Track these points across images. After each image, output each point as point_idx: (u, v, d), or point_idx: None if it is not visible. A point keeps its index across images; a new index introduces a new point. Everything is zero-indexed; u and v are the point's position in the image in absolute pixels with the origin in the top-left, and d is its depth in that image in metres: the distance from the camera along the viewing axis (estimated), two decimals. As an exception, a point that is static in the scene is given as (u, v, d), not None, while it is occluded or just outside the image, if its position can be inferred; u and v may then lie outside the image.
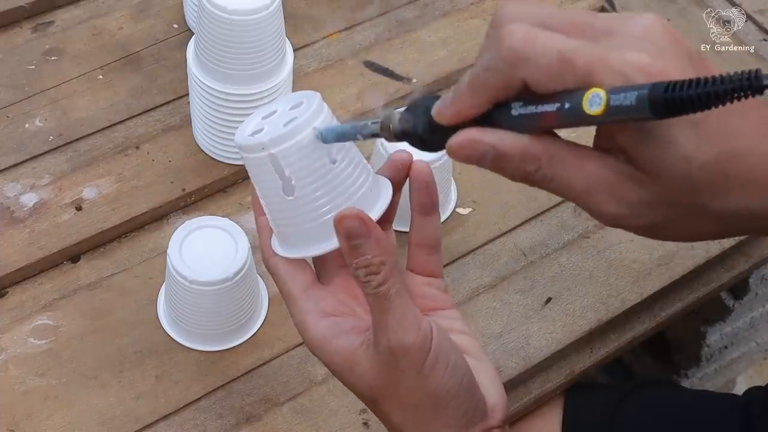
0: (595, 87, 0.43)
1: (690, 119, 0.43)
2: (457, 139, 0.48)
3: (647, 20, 0.46)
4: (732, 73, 0.39)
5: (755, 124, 0.46)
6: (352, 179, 0.53)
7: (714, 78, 0.40)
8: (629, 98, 0.42)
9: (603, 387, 0.91)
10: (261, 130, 0.55)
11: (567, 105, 0.44)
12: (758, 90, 0.39)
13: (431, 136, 0.50)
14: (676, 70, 0.44)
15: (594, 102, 0.43)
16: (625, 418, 0.85)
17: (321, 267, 0.58)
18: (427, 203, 0.57)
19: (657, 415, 0.86)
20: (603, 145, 0.47)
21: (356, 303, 0.57)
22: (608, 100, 0.43)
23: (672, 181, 0.45)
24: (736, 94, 0.39)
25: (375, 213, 0.53)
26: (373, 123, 0.52)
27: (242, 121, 0.84)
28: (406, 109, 0.51)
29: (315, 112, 0.53)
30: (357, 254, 0.50)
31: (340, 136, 0.53)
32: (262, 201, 0.56)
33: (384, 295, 0.51)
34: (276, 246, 0.56)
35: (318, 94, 0.55)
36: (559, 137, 0.47)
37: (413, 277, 0.59)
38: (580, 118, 0.44)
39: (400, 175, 0.56)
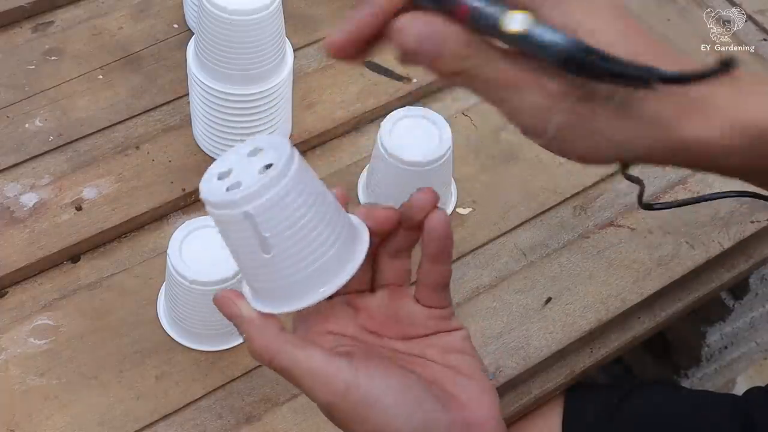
0: (523, 10, 0.44)
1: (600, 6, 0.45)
2: (401, 21, 0.47)
3: None
4: (644, 67, 0.42)
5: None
6: (331, 229, 0.51)
7: (622, 62, 0.43)
8: (555, 38, 0.43)
9: (603, 387, 0.91)
10: (229, 173, 0.51)
11: (489, 9, 0.44)
12: (650, 86, 0.42)
13: None
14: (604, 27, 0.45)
15: (514, 22, 0.43)
16: (625, 418, 0.85)
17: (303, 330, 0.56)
18: (441, 255, 0.53)
19: (657, 415, 0.86)
20: None
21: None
22: (533, 30, 0.43)
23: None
24: (636, 83, 0.43)
25: (355, 264, 0.51)
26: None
27: (242, 121, 0.85)
28: None
29: (287, 161, 0.49)
30: None
31: None
32: (236, 259, 0.52)
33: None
34: (257, 303, 0.52)
35: (288, 142, 0.51)
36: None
37: (415, 307, 0.56)
38: (492, 29, 0.44)
39: (377, 227, 0.53)
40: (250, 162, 0.50)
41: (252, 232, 0.49)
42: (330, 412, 0.51)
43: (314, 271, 0.50)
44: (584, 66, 0.43)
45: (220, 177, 0.51)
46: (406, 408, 0.51)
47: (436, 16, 0.46)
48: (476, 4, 0.44)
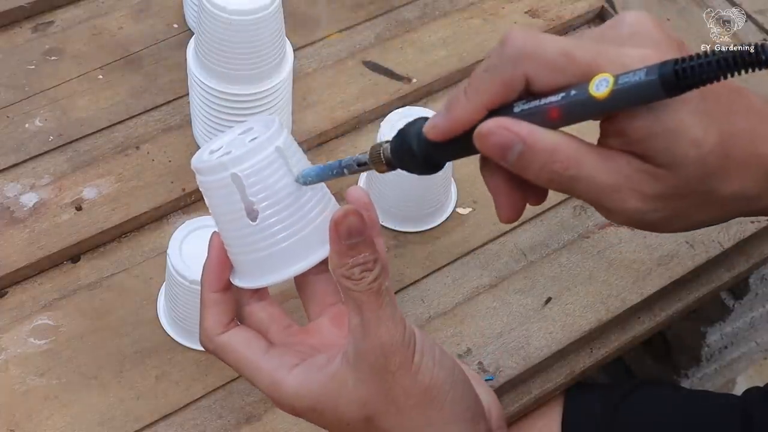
0: (601, 73, 0.44)
1: (694, 107, 0.44)
2: (487, 124, 0.46)
3: (633, 17, 0.48)
4: (736, 46, 0.41)
5: (755, 106, 0.48)
6: (315, 202, 0.53)
7: (719, 50, 0.41)
8: (638, 75, 0.43)
9: (603, 387, 0.91)
10: (219, 148, 0.54)
11: (573, 92, 0.45)
12: (763, 62, 0.40)
13: (427, 155, 0.49)
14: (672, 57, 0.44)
15: (601, 85, 0.44)
16: (625, 418, 0.85)
17: (265, 329, 0.57)
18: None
19: (656, 415, 0.86)
20: (611, 146, 0.47)
21: (314, 349, 0.56)
22: (616, 80, 0.43)
23: (685, 169, 0.46)
24: (743, 64, 0.40)
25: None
26: (361, 154, 0.51)
27: (242, 121, 0.84)
28: (395, 135, 0.51)
29: (275, 131, 0.52)
30: (354, 252, 0.50)
31: (322, 176, 0.51)
32: (221, 229, 0.54)
33: (378, 291, 0.50)
34: (238, 280, 0.55)
35: (276, 118, 0.54)
36: (579, 138, 0.47)
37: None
38: (587, 106, 0.44)
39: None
40: (241, 138, 0.53)
41: (238, 196, 0.51)
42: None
43: (296, 242, 0.52)
44: (687, 77, 0.41)
45: (212, 151, 0.54)
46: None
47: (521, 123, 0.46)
48: (562, 100, 0.45)
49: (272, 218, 0.51)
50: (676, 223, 0.49)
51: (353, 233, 0.50)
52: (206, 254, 0.56)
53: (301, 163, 0.53)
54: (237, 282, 0.55)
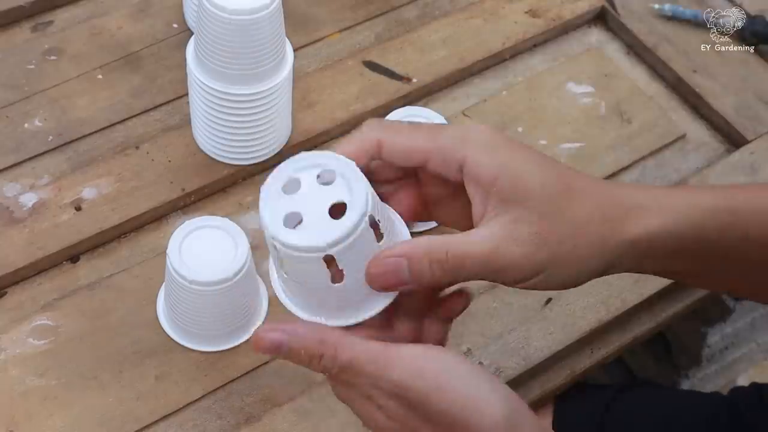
0: None
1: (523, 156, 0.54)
2: (373, 263, 0.51)
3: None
4: None
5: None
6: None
7: None
8: None
9: (594, 387, 0.91)
10: (296, 215, 0.52)
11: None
12: None
13: None
14: None
15: None
16: (615, 418, 0.85)
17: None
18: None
19: (646, 415, 0.86)
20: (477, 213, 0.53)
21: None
22: None
23: (534, 198, 0.52)
24: None
25: None
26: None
27: (242, 121, 0.84)
28: None
29: (365, 196, 0.50)
30: (294, 358, 0.52)
31: None
32: (296, 283, 0.53)
33: (342, 361, 0.52)
34: (320, 319, 0.54)
35: (356, 168, 0.52)
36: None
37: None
38: None
39: None
40: (320, 193, 0.52)
41: (326, 270, 0.51)
42: None
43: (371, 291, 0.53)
44: None
45: (287, 216, 0.51)
46: None
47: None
48: None
49: (356, 281, 0.52)
50: (564, 262, 0.53)
51: (279, 348, 0.52)
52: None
53: (383, 215, 0.52)
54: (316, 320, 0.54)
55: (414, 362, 0.51)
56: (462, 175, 0.53)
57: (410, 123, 0.55)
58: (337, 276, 0.51)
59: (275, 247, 0.51)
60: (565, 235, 0.53)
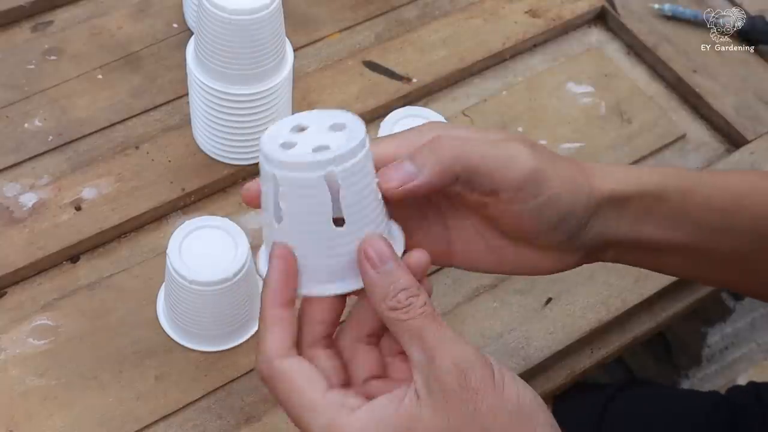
0: None
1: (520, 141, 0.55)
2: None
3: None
4: None
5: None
6: (380, 205, 0.51)
7: None
8: None
9: (593, 388, 0.91)
10: (294, 145, 0.50)
11: None
12: None
13: None
14: None
15: None
16: (613, 418, 0.85)
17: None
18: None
19: (644, 415, 0.86)
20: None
21: (377, 380, 0.52)
22: None
23: (516, 179, 0.53)
24: None
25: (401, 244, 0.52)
26: None
27: (242, 121, 0.84)
28: None
29: (363, 137, 0.49)
30: (392, 278, 0.48)
31: None
32: (292, 230, 0.49)
33: (433, 313, 0.48)
34: (307, 289, 0.50)
35: (358, 118, 0.50)
36: None
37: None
38: None
39: None
40: (310, 134, 0.50)
41: (329, 197, 0.47)
42: None
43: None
44: None
45: (285, 147, 0.49)
46: None
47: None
48: None
49: (360, 222, 0.49)
50: (560, 188, 0.54)
51: (384, 258, 0.48)
52: (268, 266, 0.50)
53: (372, 168, 0.51)
54: (306, 291, 0.50)
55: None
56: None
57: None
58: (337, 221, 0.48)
59: (274, 176, 0.48)
60: (555, 173, 0.55)
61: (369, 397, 0.49)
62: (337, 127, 0.51)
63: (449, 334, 0.48)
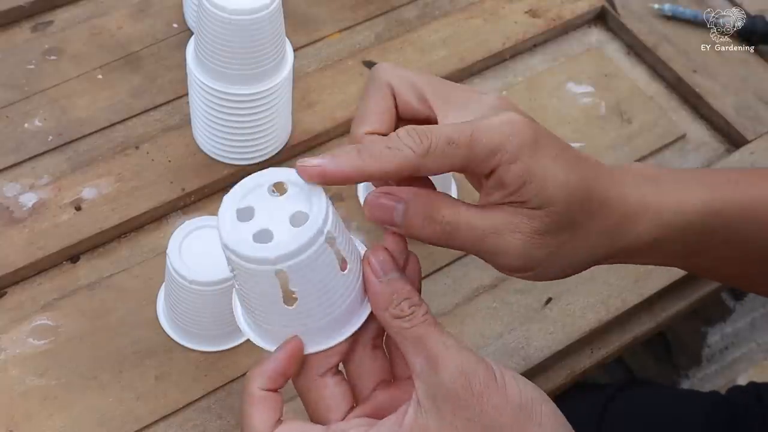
0: None
1: (556, 155, 0.52)
2: (370, 194, 0.51)
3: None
4: None
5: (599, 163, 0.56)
6: (353, 276, 0.50)
7: None
8: None
9: (593, 387, 0.91)
10: (251, 210, 0.49)
11: None
12: None
13: None
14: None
15: None
16: (613, 419, 0.85)
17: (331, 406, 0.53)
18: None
19: (644, 415, 0.86)
20: (490, 203, 0.52)
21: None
22: None
23: (556, 207, 0.51)
24: None
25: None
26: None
27: (242, 121, 0.84)
28: None
29: (323, 212, 0.48)
30: (395, 287, 0.49)
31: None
32: (250, 306, 0.50)
33: (435, 322, 0.49)
34: (263, 343, 0.52)
35: (319, 188, 0.49)
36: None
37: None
38: None
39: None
40: (276, 204, 0.49)
41: (278, 287, 0.48)
42: None
43: (329, 321, 0.50)
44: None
45: (241, 218, 0.49)
46: None
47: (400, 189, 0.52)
48: None
49: (311, 305, 0.49)
50: (557, 261, 0.53)
51: (388, 269, 0.50)
52: (274, 351, 0.52)
53: (343, 237, 0.50)
54: (261, 343, 0.52)
55: None
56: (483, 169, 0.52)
57: (451, 95, 0.54)
58: (289, 299, 0.49)
59: (227, 257, 0.48)
60: (568, 245, 0.53)
61: (376, 410, 0.51)
62: (298, 217, 0.49)
63: (451, 341, 0.49)
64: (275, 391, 0.52)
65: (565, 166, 0.52)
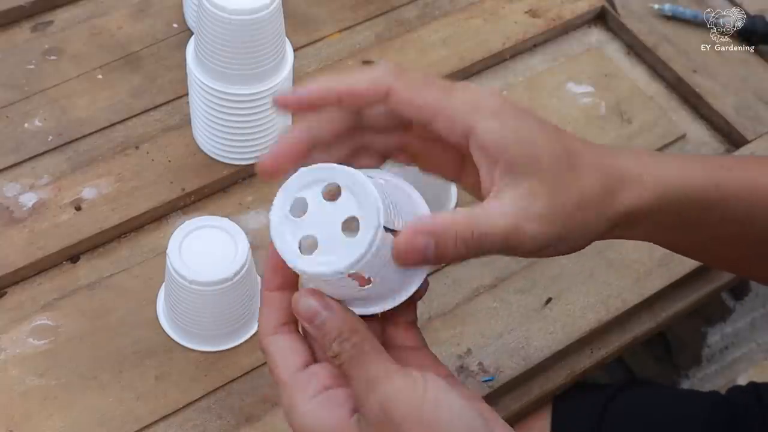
0: None
1: (523, 120, 0.53)
2: (400, 239, 0.50)
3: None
4: None
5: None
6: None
7: None
8: None
9: (593, 387, 0.91)
10: (302, 218, 0.51)
11: None
12: None
13: None
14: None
15: None
16: (613, 419, 0.85)
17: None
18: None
19: (644, 415, 0.86)
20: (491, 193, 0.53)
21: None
22: None
23: (548, 168, 0.52)
24: None
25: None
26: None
27: (242, 121, 0.84)
28: None
29: (377, 211, 0.49)
30: (323, 331, 0.51)
31: None
32: (325, 289, 0.52)
33: (360, 354, 0.50)
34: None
35: (363, 179, 0.50)
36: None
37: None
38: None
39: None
40: (330, 210, 0.50)
41: (350, 281, 0.50)
42: None
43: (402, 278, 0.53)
44: None
45: (297, 235, 0.51)
46: None
47: None
48: None
49: (383, 280, 0.52)
50: (576, 229, 0.54)
51: (312, 314, 0.51)
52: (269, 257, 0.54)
53: (392, 210, 0.51)
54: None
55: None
56: (467, 140, 0.53)
57: (425, 76, 0.54)
58: (363, 282, 0.51)
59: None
60: (574, 208, 0.54)
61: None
62: (332, 194, 0.51)
63: (376, 371, 0.50)
64: (282, 292, 0.54)
65: (545, 131, 0.54)
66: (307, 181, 0.51)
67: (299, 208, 0.51)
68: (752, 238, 0.60)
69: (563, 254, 0.56)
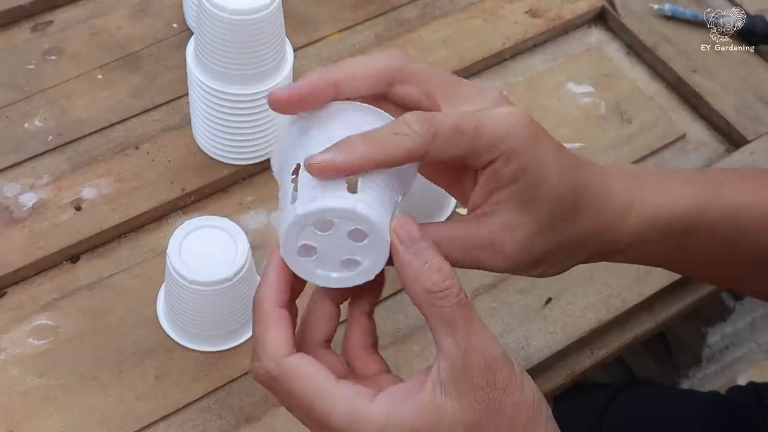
0: None
1: (552, 160, 0.52)
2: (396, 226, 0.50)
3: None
4: None
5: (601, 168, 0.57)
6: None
7: None
8: None
9: (593, 387, 0.91)
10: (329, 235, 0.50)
11: None
12: None
13: None
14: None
15: None
16: (613, 419, 0.85)
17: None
18: None
19: (644, 415, 0.87)
20: (483, 210, 0.53)
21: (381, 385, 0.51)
22: None
23: (549, 209, 0.52)
24: None
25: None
26: None
27: (242, 121, 0.84)
28: None
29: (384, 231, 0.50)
30: (425, 258, 0.49)
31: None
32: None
33: (467, 303, 0.48)
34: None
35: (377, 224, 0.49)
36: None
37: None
38: None
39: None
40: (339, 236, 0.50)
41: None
42: None
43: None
44: None
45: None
46: None
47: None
48: None
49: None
50: (556, 260, 0.55)
51: (416, 238, 0.49)
52: (267, 267, 0.52)
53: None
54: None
55: None
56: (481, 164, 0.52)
57: (432, 72, 0.54)
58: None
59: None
60: (564, 247, 0.55)
61: (380, 389, 0.50)
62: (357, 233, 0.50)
63: (480, 329, 0.48)
64: (288, 309, 0.52)
65: (559, 170, 0.53)
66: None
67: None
68: (745, 257, 0.60)
69: (537, 278, 0.56)
